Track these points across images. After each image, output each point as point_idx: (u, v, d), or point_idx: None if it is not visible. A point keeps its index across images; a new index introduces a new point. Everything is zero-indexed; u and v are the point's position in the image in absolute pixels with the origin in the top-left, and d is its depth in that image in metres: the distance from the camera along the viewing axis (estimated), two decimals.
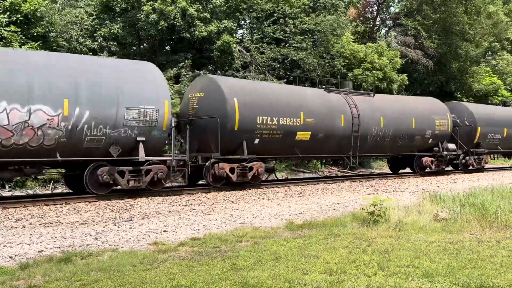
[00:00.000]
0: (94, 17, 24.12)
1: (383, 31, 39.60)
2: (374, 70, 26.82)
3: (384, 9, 40.42)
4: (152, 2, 22.62)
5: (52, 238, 7.66)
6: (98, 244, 7.28)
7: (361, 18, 38.00)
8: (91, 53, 22.59)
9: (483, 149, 23.89)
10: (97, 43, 22.82)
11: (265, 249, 6.73)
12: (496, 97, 38.00)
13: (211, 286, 5.04)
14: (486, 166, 26.66)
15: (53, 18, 20.65)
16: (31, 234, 7.97)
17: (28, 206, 11.34)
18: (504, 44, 44.44)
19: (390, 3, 40.33)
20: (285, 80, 25.30)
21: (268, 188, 15.98)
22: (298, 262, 5.98)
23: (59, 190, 16.44)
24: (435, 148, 21.78)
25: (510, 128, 26.17)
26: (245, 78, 23.52)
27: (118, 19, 23.79)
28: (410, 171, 22.49)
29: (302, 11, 27.58)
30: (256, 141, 15.62)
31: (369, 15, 39.21)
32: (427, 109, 21.87)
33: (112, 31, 23.02)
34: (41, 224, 9.00)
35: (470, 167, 23.48)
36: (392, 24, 38.38)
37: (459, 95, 36.30)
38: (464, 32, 34.58)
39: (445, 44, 34.12)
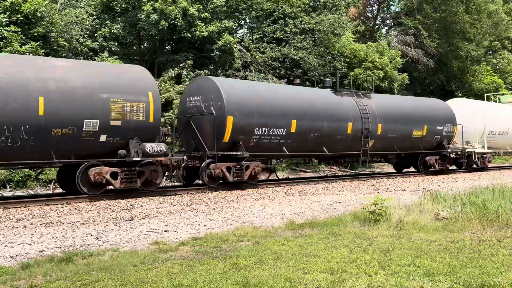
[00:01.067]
0: (94, 17, 24.13)
1: (383, 30, 39.65)
2: (375, 70, 26.83)
3: (385, 9, 40.50)
4: (152, 2, 22.62)
5: (53, 238, 7.67)
6: (99, 243, 7.28)
7: (362, 18, 38.06)
8: (91, 53, 22.63)
9: (241, 152, 15.13)
10: (97, 43, 22.83)
11: (266, 248, 6.73)
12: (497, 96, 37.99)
13: (212, 285, 5.04)
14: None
15: (53, 18, 20.65)
16: (32, 234, 7.97)
17: (29, 206, 11.35)
18: (504, 43, 44.50)
19: (391, 3, 40.41)
20: (286, 79, 25.32)
21: (269, 187, 15.96)
22: (299, 261, 5.97)
23: (59, 190, 16.44)
24: (120, 151, 12.95)
25: (304, 120, 16.83)
26: (245, 78, 23.57)
27: (119, 19, 23.79)
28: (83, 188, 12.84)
29: (302, 10, 27.59)
30: None
31: (369, 15, 39.27)
32: (94, 84, 12.45)
33: (112, 31, 23.03)
34: (42, 224, 9.01)
35: (221, 181, 15.19)
36: (392, 24, 38.44)
37: (460, 94, 36.30)
38: (464, 31, 34.60)
39: (445, 43, 34.15)
